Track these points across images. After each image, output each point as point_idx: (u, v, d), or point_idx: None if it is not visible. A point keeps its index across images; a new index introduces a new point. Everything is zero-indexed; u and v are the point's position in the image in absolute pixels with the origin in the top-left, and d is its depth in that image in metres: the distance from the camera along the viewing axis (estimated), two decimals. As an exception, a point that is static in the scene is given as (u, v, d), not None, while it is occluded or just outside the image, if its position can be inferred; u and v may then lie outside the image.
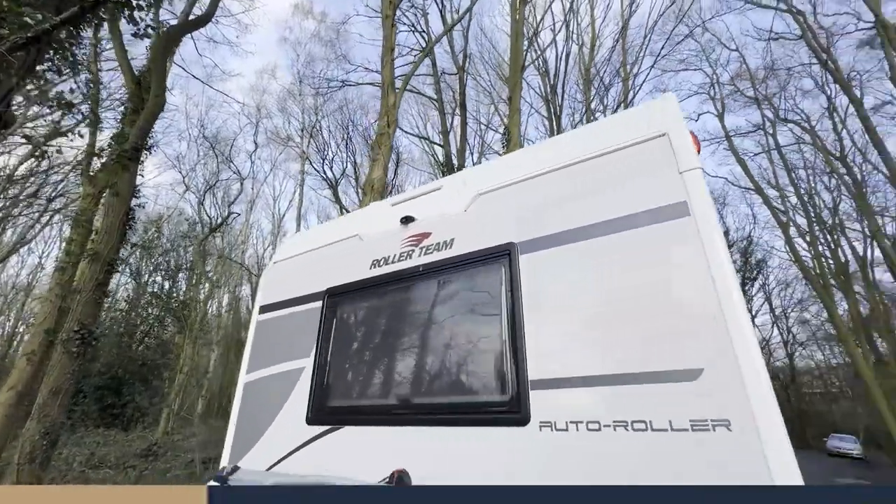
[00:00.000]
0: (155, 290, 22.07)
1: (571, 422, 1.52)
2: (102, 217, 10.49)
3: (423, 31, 16.29)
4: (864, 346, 19.78)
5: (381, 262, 2.40)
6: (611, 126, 1.96)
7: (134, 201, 10.81)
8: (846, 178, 19.51)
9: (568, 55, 18.21)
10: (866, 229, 19.58)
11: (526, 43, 13.77)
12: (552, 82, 18.41)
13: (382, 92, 8.43)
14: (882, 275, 20.93)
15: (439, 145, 17.40)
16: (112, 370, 17.21)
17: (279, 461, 2.25)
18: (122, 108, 12.18)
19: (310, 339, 2.51)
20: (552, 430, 1.54)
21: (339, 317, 2.47)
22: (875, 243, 19.05)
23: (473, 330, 1.93)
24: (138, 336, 20.01)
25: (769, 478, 1.17)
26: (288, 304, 2.76)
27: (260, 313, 2.92)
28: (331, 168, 26.26)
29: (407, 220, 2.39)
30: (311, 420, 2.25)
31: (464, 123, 16.52)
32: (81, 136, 12.39)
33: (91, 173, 12.03)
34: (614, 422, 1.44)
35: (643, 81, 18.08)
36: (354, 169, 28.14)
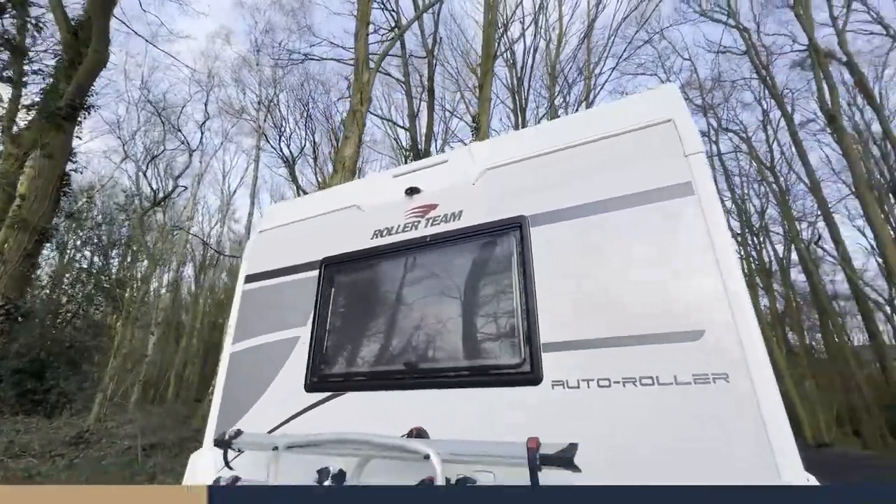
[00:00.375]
0: (84, 266, 20.22)
1: (583, 380, 1.64)
2: (29, 181, 9.45)
3: (394, 10, 15.91)
4: (779, 339, 22.17)
5: (385, 233, 2.41)
6: (618, 110, 2.08)
7: (69, 166, 9.83)
8: (774, 186, 21.56)
9: (535, 50, 18.56)
10: (787, 234, 21.79)
11: (496, 33, 13.85)
12: (519, 75, 18.71)
13: (356, 68, 8.18)
14: (797, 275, 23.44)
15: (404, 129, 17.17)
16: (33, 352, 15.65)
17: (276, 427, 2.23)
18: (53, 62, 10.93)
19: (305, 309, 2.47)
20: (564, 387, 1.66)
21: (338, 286, 2.45)
22: (793, 246, 21.28)
23: (485, 297, 2.01)
24: (64, 316, 18.27)
25: (762, 422, 1.35)
26: (278, 274, 2.69)
27: (246, 283, 2.82)
28: (288, 146, 25.17)
29: (412, 191, 2.40)
30: (311, 387, 2.24)
31: (431, 109, 16.42)
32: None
33: (14, 132, 10.74)
34: (623, 378, 1.58)
35: (605, 82, 18.83)
36: (314, 148, 27.14)
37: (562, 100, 19.33)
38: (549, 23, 19.37)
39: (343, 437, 1.63)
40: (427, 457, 1.37)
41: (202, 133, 23.52)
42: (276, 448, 1.70)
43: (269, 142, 24.79)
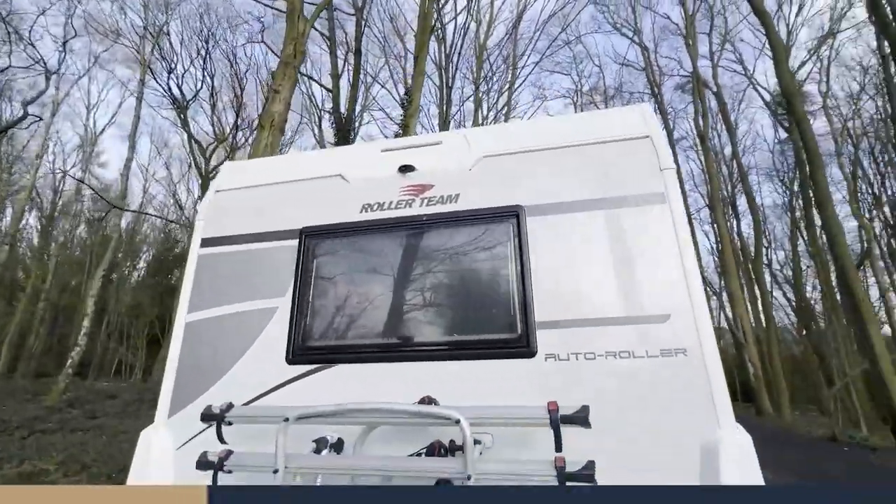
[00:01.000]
0: None
1: (571, 353, 1.92)
2: None
3: (323, -44, 14.52)
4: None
5: (375, 207, 2.41)
6: (604, 119, 2.37)
7: None
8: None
9: (466, 31, 18.64)
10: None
11: (435, 5, 13.61)
12: (448, 52, 18.67)
13: (290, 17, 7.44)
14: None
15: (328, 89, 16.09)
16: None
17: (252, 400, 2.15)
18: None
19: (282, 279, 2.39)
20: (556, 360, 1.93)
21: (322, 257, 2.40)
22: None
23: (483, 278, 2.18)
24: None
25: (709, 387, 1.76)
26: (248, 240, 2.52)
27: (204, 246, 2.58)
28: (179, 86, 21.88)
29: (406, 168, 2.43)
30: (295, 359, 2.20)
31: (357, 72, 15.61)
32: None
33: None
34: (606, 352, 1.90)
35: (528, 74, 19.76)
36: (211, 94, 24.01)
37: (486, 86, 19.86)
38: (481, 5, 19.57)
39: (365, 406, 1.69)
40: (458, 421, 1.51)
41: (63, 53, 19.20)
42: (286, 420, 1.68)
43: (154, 78, 21.25)
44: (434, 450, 1.78)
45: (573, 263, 2.07)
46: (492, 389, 1.93)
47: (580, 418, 1.50)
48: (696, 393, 1.77)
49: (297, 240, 2.45)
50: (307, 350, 2.24)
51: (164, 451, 2.18)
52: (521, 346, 1.98)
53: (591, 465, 1.45)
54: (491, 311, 2.10)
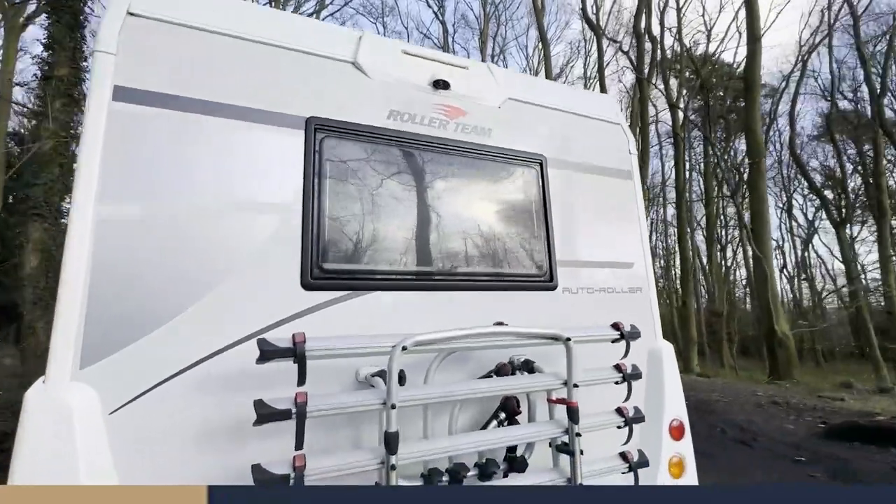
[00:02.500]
0: None
1: (579, 287, 2.34)
2: None
3: None
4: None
5: (406, 118, 2.09)
6: (597, 100, 2.81)
7: None
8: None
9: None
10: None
11: None
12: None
13: None
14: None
15: None
16: None
17: (255, 334, 1.60)
18: None
19: (279, 180, 1.81)
20: (570, 293, 2.30)
21: (338, 163, 1.93)
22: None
23: (515, 218, 2.28)
24: None
25: (652, 315, 2.52)
26: (209, 110, 1.73)
27: (119, 100, 1.61)
28: None
29: (440, 84, 2.19)
30: (313, 284, 1.75)
31: None
32: None
33: None
34: (599, 288, 2.41)
35: (336, 10, 18.12)
36: None
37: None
38: None
39: (486, 329, 1.60)
40: (568, 339, 1.68)
41: None
42: (405, 348, 1.40)
43: None
44: (505, 370, 1.87)
45: (577, 215, 2.46)
46: (525, 317, 2.13)
47: (635, 334, 1.93)
48: (646, 318, 2.50)
49: (303, 132, 1.86)
50: (329, 274, 1.80)
51: (82, 418, 1.35)
52: (548, 281, 2.25)
53: (636, 328, 1.91)
54: (524, 249, 2.26)
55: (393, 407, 1.38)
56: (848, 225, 22.82)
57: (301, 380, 1.34)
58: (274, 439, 1.57)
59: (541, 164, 2.38)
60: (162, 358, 1.51)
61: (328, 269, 1.81)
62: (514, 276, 2.21)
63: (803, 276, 31.20)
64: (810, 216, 28.37)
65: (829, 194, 24.48)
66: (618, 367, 1.90)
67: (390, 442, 1.36)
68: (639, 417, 1.87)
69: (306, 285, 1.74)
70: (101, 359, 1.44)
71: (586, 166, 2.55)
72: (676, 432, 2.32)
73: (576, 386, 1.69)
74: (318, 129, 1.89)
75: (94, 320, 1.44)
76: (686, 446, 2.35)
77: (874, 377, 13.74)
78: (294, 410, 1.31)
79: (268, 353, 1.32)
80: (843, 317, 26.11)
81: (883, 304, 20.89)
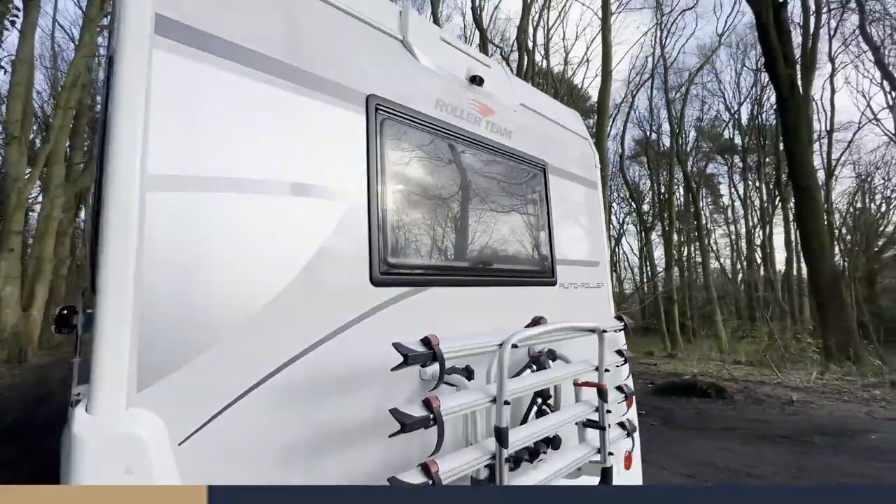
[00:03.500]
0: None
1: (570, 283, 2.65)
2: None
3: None
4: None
5: (449, 110, 2.05)
6: (574, 116, 3.10)
7: None
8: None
9: None
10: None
11: None
12: None
13: None
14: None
15: None
16: None
17: (330, 336, 1.44)
18: None
19: (348, 162, 1.63)
20: (565, 288, 2.59)
21: (396, 146, 1.80)
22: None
23: (529, 217, 2.43)
24: None
25: (610, 305, 3.00)
26: (271, 68, 1.45)
27: (166, 50, 1.24)
28: None
29: (476, 80, 2.19)
30: (381, 280, 1.63)
31: None
32: None
33: None
34: (580, 283, 2.76)
35: None
36: None
37: None
38: None
39: (557, 326, 1.72)
40: (604, 331, 1.94)
41: None
42: (515, 346, 1.43)
43: None
44: (542, 361, 2.04)
45: (567, 218, 2.76)
46: (537, 309, 2.33)
47: (631, 325, 2.31)
48: (606, 308, 2.96)
49: (364, 110, 1.68)
50: (394, 269, 1.69)
51: (155, 451, 1.05)
52: (552, 277, 2.49)
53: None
54: (535, 247, 2.44)
55: (507, 403, 1.43)
56: (650, 229, 29.38)
57: (439, 383, 1.28)
58: (360, 449, 1.46)
59: (544, 170, 2.59)
60: (234, 370, 1.24)
61: (393, 263, 1.69)
62: (528, 272, 2.39)
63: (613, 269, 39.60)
64: (621, 220, 35.76)
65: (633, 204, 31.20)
66: (619, 353, 2.25)
67: (502, 436, 1.41)
68: (632, 392, 2.26)
69: (375, 281, 1.61)
70: (161, 378, 1.11)
71: (571, 175, 2.86)
72: (629, 401, 2.84)
73: (607, 370, 1.96)
74: (378, 110, 1.73)
75: (151, 329, 1.10)
76: (633, 412, 2.90)
77: (663, 347, 18.26)
78: (432, 416, 1.25)
79: (410, 357, 1.23)
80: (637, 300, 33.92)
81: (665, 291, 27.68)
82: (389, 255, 1.68)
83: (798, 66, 13.91)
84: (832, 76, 22.39)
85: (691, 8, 24.22)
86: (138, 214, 1.10)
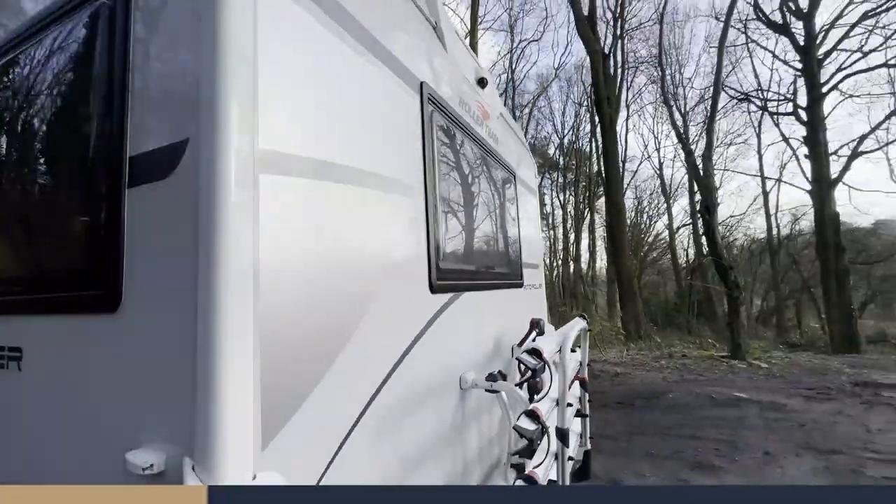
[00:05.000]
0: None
1: (528, 284, 2.87)
2: None
3: None
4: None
5: (467, 109, 2.00)
6: (520, 129, 3.30)
7: None
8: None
9: None
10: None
11: None
12: None
13: None
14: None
15: None
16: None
17: (410, 347, 1.31)
18: None
19: (408, 153, 1.47)
20: (527, 289, 2.79)
21: (440, 142, 1.68)
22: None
23: (509, 224, 2.52)
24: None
25: (544, 303, 3.35)
26: (361, 37, 1.22)
27: None
28: None
29: (482, 83, 2.18)
30: (437, 287, 1.53)
31: None
32: None
33: None
34: (539, 284, 3.01)
35: None
36: None
37: None
38: None
39: (579, 327, 1.85)
40: (589, 330, 2.19)
41: None
42: (573, 350, 1.50)
43: None
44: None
45: (526, 224, 2.96)
46: (517, 308, 2.49)
47: (589, 323, 2.64)
48: (544, 306, 3.30)
49: (419, 97, 1.53)
50: (444, 274, 1.58)
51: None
52: (521, 279, 2.66)
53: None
54: (514, 252, 2.55)
55: (569, 405, 1.51)
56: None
57: (532, 394, 1.28)
58: (440, 458, 1.36)
59: (514, 177, 2.74)
60: (339, 404, 1.01)
61: (443, 268, 1.58)
62: (509, 275, 2.49)
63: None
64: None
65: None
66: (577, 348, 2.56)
67: (565, 437, 1.49)
68: (586, 380, 2.60)
69: (432, 286, 1.49)
70: (281, 427, 0.84)
71: (525, 183, 3.08)
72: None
73: (589, 365, 2.23)
74: (429, 100, 1.58)
75: (273, 367, 0.82)
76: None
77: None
78: (540, 429, 1.25)
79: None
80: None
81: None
82: (443, 257, 1.57)
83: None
84: (627, 119, 28.92)
85: (537, 40, 27.97)
86: (253, 216, 0.80)
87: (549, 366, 1.37)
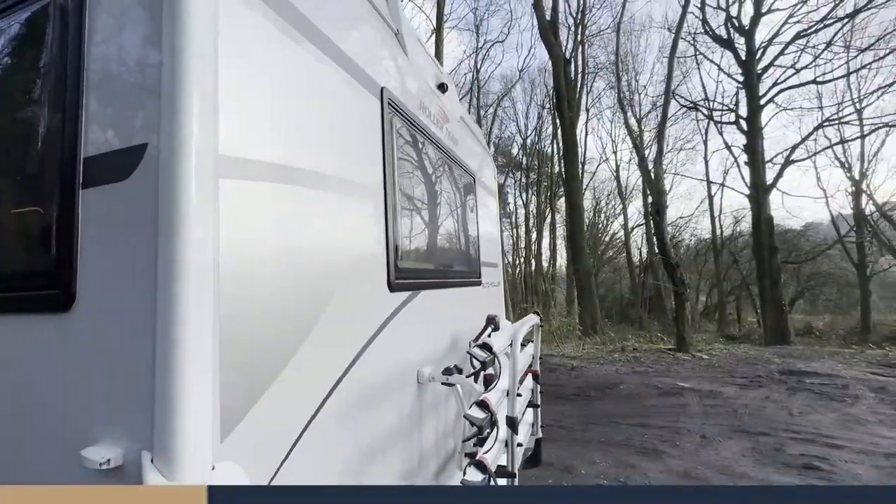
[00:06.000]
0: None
1: (487, 282, 2.98)
2: None
3: None
4: None
5: (427, 114, 2.07)
6: (481, 133, 3.40)
7: None
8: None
9: None
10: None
11: None
12: None
13: None
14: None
15: None
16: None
17: (368, 343, 1.37)
18: None
19: (368, 156, 1.53)
20: (485, 287, 2.91)
21: (399, 145, 1.74)
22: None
23: (468, 223, 2.61)
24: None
25: (503, 300, 3.48)
26: (309, 33, 1.27)
27: None
28: None
29: (442, 87, 2.26)
30: (396, 285, 1.59)
31: None
32: None
33: None
34: (497, 282, 3.13)
35: None
36: None
37: None
38: None
39: (530, 324, 1.96)
40: (541, 325, 2.32)
41: None
42: (523, 345, 1.61)
43: None
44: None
45: (485, 225, 3.07)
46: (475, 305, 2.59)
47: (543, 319, 2.79)
48: (502, 303, 3.43)
49: (379, 103, 1.58)
50: (402, 273, 1.65)
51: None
52: (479, 278, 2.76)
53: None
54: (472, 251, 2.64)
55: (519, 395, 1.62)
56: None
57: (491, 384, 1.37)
58: (398, 448, 1.43)
59: (473, 178, 2.83)
60: (297, 398, 1.06)
61: (402, 267, 1.65)
62: (467, 273, 2.59)
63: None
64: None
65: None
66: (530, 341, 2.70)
67: (514, 424, 1.61)
68: (538, 373, 2.75)
69: (391, 285, 1.55)
70: (239, 420, 0.88)
71: (485, 185, 3.19)
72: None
73: (544, 358, 2.36)
74: (389, 104, 1.64)
75: (232, 363, 0.86)
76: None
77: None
78: (489, 417, 1.34)
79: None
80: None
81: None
82: (401, 256, 1.63)
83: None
84: (587, 122, 30.00)
85: (501, 41, 28.45)
86: (212, 212, 0.84)
87: (497, 359, 1.47)
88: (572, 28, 19.04)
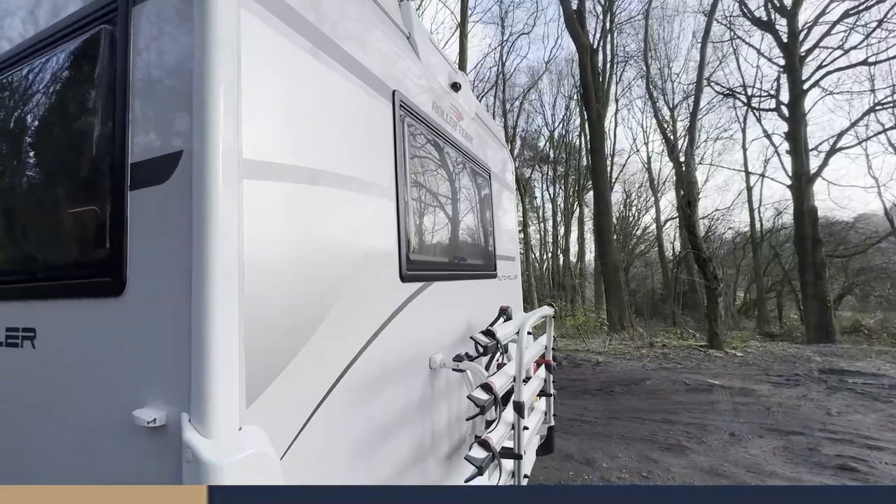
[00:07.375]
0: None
1: (503, 276, 3.05)
2: None
3: None
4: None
5: (441, 113, 2.15)
6: (496, 124, 3.46)
7: None
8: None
9: None
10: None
11: None
12: None
13: None
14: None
15: None
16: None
17: (378, 332, 1.48)
18: None
19: (381, 154, 1.63)
20: (501, 280, 2.98)
21: (411, 144, 1.84)
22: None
23: (482, 218, 2.69)
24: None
25: (520, 292, 3.54)
26: (322, 43, 1.38)
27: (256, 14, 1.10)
28: None
29: (455, 87, 2.34)
30: (407, 276, 1.70)
31: None
32: None
33: None
34: (513, 275, 3.20)
35: None
36: None
37: None
38: None
39: (540, 314, 2.03)
40: (554, 316, 2.38)
41: None
42: (530, 333, 1.68)
43: None
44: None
45: (501, 219, 3.14)
46: (489, 298, 2.67)
47: (556, 312, 2.84)
48: (519, 296, 3.49)
49: (391, 105, 1.68)
50: (414, 265, 1.75)
51: (268, 472, 0.97)
52: (494, 271, 2.84)
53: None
54: (487, 244, 2.72)
55: (526, 380, 1.70)
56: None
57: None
58: (408, 426, 1.54)
59: (489, 175, 2.90)
60: (314, 374, 1.18)
61: (413, 259, 1.75)
62: (482, 266, 2.67)
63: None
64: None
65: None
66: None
67: (521, 409, 1.68)
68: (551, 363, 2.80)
69: (402, 276, 1.66)
70: (263, 391, 1.01)
71: (502, 180, 3.25)
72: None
73: (554, 349, 2.42)
74: (401, 106, 1.74)
75: (255, 342, 0.98)
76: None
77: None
78: (493, 397, 1.43)
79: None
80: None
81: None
82: (412, 249, 1.74)
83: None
84: (616, 113, 29.18)
85: (527, 33, 28.05)
86: (237, 203, 0.96)
87: (500, 345, 1.55)
88: (600, 16, 18.57)
